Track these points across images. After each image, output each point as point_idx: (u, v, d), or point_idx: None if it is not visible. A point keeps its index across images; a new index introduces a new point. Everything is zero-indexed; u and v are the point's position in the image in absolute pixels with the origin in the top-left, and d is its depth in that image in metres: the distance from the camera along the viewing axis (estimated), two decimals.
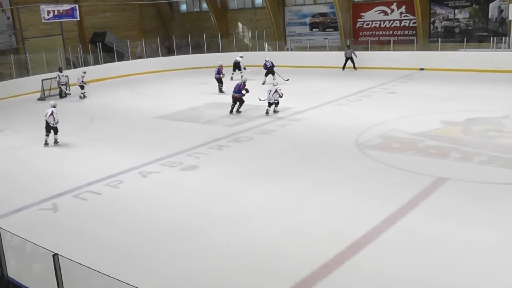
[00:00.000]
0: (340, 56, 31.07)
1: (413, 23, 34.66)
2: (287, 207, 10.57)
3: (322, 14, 38.62)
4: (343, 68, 30.80)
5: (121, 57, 36.13)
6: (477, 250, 8.35)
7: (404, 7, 35.09)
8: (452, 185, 11.24)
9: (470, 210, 9.94)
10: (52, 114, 16.40)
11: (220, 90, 25.08)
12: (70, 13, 32.45)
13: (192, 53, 36.36)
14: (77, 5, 33.69)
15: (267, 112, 19.03)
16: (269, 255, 8.62)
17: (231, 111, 19.72)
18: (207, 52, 36.09)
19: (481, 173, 12.06)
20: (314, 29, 39.26)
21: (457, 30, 33.68)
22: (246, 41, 41.92)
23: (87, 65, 32.63)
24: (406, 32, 35.37)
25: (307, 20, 39.44)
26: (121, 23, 41.22)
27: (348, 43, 33.80)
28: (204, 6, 43.47)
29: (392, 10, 35.76)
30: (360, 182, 11.82)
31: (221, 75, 25.27)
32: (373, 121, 17.07)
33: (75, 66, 33.68)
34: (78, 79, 26.48)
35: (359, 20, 37.10)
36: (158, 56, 36.60)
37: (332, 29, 38.03)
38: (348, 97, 21.92)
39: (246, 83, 19.81)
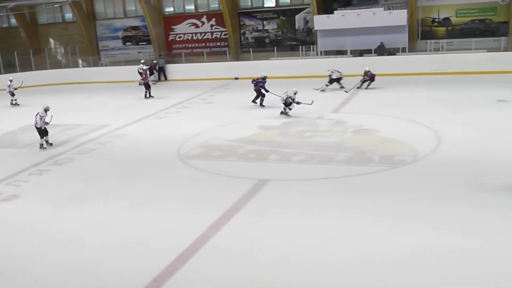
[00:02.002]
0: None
1: (224, 34, 35.53)
2: (111, 226, 9.95)
3: (134, 28, 38.16)
4: (160, 79, 30.86)
5: None
6: (303, 243, 8.52)
7: (214, 19, 35.87)
8: (273, 186, 11.44)
9: (293, 206, 10.16)
10: (37, 114, 15.97)
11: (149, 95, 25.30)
12: None
13: (5, 72, 33.42)
14: None
15: (283, 113, 18.60)
16: (96, 276, 8.01)
17: (253, 101, 21.02)
18: (20, 71, 33.47)
19: (301, 171, 12.48)
20: (127, 43, 38.68)
21: (267, 40, 35.13)
22: (59, 57, 40.01)
23: None
24: (218, 43, 36.15)
25: (120, 34, 38.72)
26: None
27: (160, 53, 33.78)
28: (13, 21, 40.73)
29: (203, 23, 36.37)
30: (184, 192, 11.57)
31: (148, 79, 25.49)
32: (193, 132, 16.97)
33: None
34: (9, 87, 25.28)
35: (171, 33, 37.22)
36: None
37: (146, 43, 37.72)
38: (167, 110, 21.69)
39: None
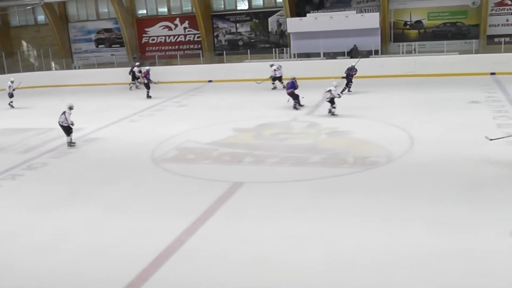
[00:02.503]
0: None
1: (198, 37, 35.48)
2: (85, 230, 9.81)
3: (107, 30, 37.88)
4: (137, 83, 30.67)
5: None
6: (279, 244, 8.52)
7: (187, 22, 35.81)
8: (248, 188, 11.43)
9: (268, 208, 10.17)
10: (64, 113, 16.14)
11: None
12: None
13: None
14: None
15: (332, 112, 18.54)
16: (71, 281, 7.89)
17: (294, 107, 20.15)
18: None
19: (275, 173, 12.49)
20: (100, 45, 38.38)
21: (240, 43, 35.13)
22: (32, 60, 39.50)
23: None
24: (192, 46, 36.09)
25: (93, 36, 38.39)
26: None
27: (135, 56, 33.60)
28: None
29: (176, 26, 36.28)
30: (159, 195, 11.47)
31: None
32: (167, 135, 16.87)
33: None
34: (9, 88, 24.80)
35: (144, 35, 37.05)
36: None
37: (119, 45, 37.46)
38: (141, 113, 21.53)
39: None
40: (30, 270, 8.37)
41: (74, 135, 16.52)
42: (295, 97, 20.04)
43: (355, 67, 22.80)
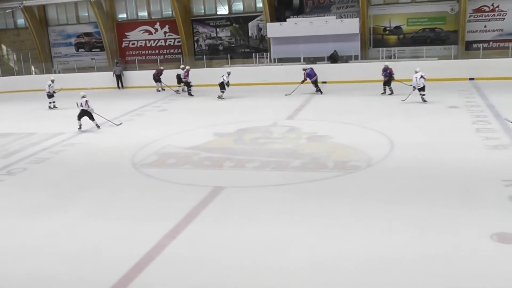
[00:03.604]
0: (109, 76, 30.53)
1: (178, 41, 35.46)
2: (66, 235, 9.71)
3: (87, 34, 37.72)
4: (120, 87, 30.67)
5: None
6: (260, 249, 8.51)
7: (167, 26, 35.78)
8: (228, 193, 11.41)
9: (249, 213, 10.15)
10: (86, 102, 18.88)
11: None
12: None
13: None
14: None
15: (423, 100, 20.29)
16: (51, 287, 7.83)
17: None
18: None
19: (255, 178, 12.48)
20: (80, 50, 38.22)
21: (220, 47, 35.19)
22: (11, 64, 39.11)
23: None
24: (172, 50, 36.07)
25: (73, 40, 38.17)
26: None
27: (116, 60, 33.46)
28: None
29: (156, 30, 36.24)
30: (139, 200, 11.41)
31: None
32: (147, 139, 16.80)
33: None
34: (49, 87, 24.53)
35: (124, 39, 36.93)
36: None
37: (99, 49, 37.32)
38: (121, 117, 21.41)
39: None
40: (8, 276, 8.28)
41: (54, 140, 16.60)
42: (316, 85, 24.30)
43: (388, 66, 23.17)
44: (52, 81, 24.78)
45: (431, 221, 9.21)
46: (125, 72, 31.46)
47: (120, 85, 31.06)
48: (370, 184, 11.43)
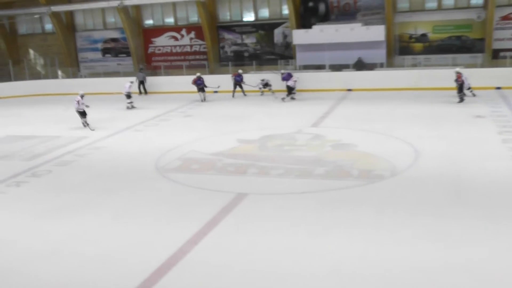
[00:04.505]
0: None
1: (204, 48, 35.58)
2: (89, 239, 9.82)
3: (114, 40, 38.04)
4: (141, 92, 30.93)
5: None
6: (281, 256, 8.50)
7: (193, 32, 35.91)
8: (252, 199, 11.43)
9: (271, 220, 10.14)
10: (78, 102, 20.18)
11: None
12: None
13: None
14: None
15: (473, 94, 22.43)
16: None
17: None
18: None
19: (279, 185, 12.48)
20: (106, 55, 38.53)
21: (246, 54, 35.19)
22: (39, 68, 39.70)
23: None
24: (198, 56, 36.19)
25: (99, 45, 38.56)
26: None
27: (141, 66, 33.72)
28: None
29: (182, 36, 36.38)
30: (162, 205, 11.49)
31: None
32: (172, 144, 16.92)
33: None
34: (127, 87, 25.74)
35: (150, 45, 37.17)
36: None
37: (125, 55, 37.61)
38: (146, 122, 21.61)
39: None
40: (31, 277, 8.40)
41: (79, 143, 16.85)
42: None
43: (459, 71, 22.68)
44: (132, 82, 25.94)
45: (456, 232, 9.11)
46: (151, 78, 31.69)
47: (142, 90, 31.29)
48: (394, 194, 11.34)
